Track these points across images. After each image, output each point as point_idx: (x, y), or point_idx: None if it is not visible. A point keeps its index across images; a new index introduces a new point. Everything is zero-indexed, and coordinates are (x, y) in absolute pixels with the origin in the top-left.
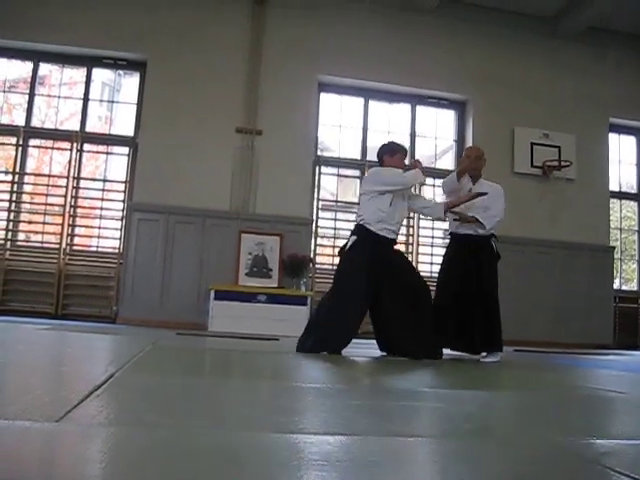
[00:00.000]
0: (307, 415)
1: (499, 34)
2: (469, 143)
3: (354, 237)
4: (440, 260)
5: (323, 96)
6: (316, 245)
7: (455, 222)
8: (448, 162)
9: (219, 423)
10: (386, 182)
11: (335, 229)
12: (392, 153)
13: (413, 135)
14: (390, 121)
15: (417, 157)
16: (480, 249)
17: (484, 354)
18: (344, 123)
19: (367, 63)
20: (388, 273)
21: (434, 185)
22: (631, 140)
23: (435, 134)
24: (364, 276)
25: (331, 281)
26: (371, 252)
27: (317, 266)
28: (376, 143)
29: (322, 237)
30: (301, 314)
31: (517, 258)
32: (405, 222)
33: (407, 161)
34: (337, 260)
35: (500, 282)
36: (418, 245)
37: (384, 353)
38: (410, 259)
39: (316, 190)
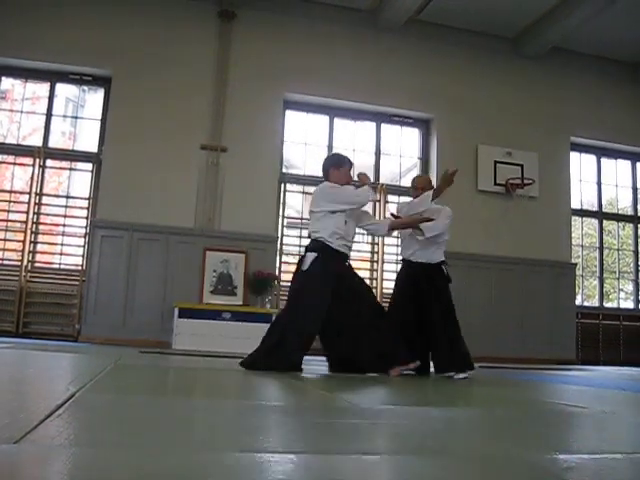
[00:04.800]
0: (271, 434)
1: (463, 53)
2: (433, 161)
3: (313, 254)
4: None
5: (288, 113)
6: (281, 262)
7: (410, 249)
8: None
9: (183, 443)
10: (341, 201)
11: (300, 246)
12: (339, 166)
13: (378, 153)
14: (355, 139)
15: (361, 171)
16: (432, 277)
17: (451, 374)
18: (309, 141)
19: (332, 81)
20: (346, 289)
21: (398, 202)
22: (592, 159)
23: (400, 152)
24: (329, 292)
25: None
26: (333, 268)
27: (282, 283)
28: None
29: (287, 254)
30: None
31: (482, 275)
32: (370, 239)
33: (354, 175)
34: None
35: (465, 299)
36: (383, 263)
37: (331, 370)
38: (375, 277)
39: (281, 207)
